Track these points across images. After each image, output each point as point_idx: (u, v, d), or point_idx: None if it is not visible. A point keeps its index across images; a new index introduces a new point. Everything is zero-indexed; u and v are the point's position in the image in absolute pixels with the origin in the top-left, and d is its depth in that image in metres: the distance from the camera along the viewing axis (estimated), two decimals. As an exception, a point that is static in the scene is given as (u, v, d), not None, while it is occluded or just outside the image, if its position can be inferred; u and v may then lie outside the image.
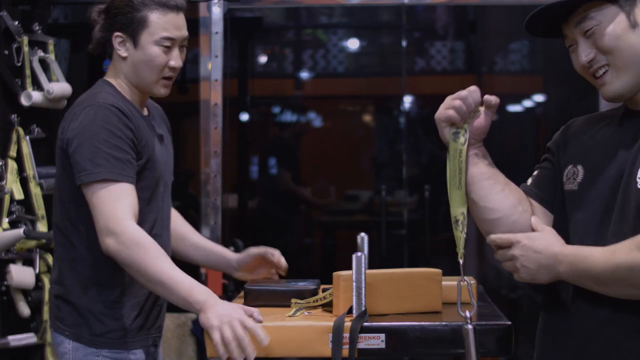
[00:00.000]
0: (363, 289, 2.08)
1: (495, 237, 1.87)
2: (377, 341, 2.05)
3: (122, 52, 2.33)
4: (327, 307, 2.21)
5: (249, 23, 4.71)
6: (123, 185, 2.19)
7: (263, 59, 5.04)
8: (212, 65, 3.95)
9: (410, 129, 4.73)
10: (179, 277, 2.10)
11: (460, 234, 1.91)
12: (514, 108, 5.00)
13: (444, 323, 2.07)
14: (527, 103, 4.99)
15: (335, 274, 2.17)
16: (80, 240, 2.30)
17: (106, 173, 2.18)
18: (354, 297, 2.08)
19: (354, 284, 2.08)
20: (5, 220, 3.25)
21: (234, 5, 4.17)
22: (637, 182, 1.76)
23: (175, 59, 2.33)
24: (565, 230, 1.88)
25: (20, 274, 3.26)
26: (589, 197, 1.85)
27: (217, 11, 3.96)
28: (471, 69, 5.03)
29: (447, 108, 1.90)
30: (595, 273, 1.75)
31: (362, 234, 2.58)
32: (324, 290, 2.25)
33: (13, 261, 3.27)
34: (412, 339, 2.06)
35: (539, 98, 4.98)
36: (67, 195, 2.31)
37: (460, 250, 1.91)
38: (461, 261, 1.92)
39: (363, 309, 2.07)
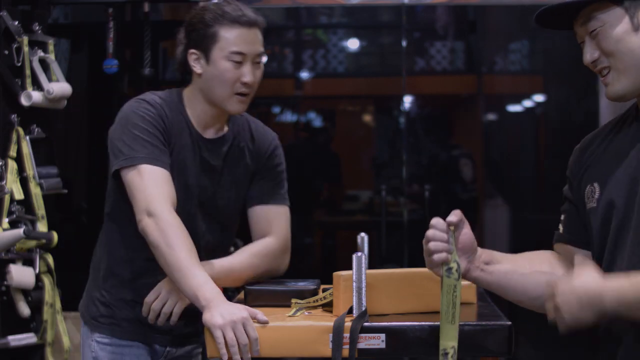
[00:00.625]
0: (363, 289, 2.07)
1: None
2: (377, 341, 2.05)
3: (197, 69, 2.33)
4: (327, 307, 2.21)
5: (249, 23, 4.71)
6: (160, 170, 2.22)
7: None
8: (212, 65, 3.94)
9: (410, 129, 4.72)
10: (195, 271, 2.12)
11: None
12: (514, 108, 4.99)
13: (444, 323, 2.07)
14: (527, 103, 4.99)
15: (335, 274, 2.17)
16: (111, 224, 2.40)
17: (146, 159, 2.22)
18: (354, 297, 2.08)
19: (354, 284, 2.07)
20: (5, 220, 3.25)
21: (234, 5, 4.16)
22: None
23: (248, 75, 2.30)
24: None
25: (20, 274, 3.26)
26: (607, 210, 1.83)
27: (217, 11, 3.95)
28: (471, 69, 5.03)
29: (428, 255, 1.89)
30: None
31: (362, 234, 2.58)
32: (324, 290, 2.25)
33: (13, 261, 3.27)
34: (412, 339, 2.06)
35: (539, 98, 4.98)
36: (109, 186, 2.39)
37: None
38: None
39: (363, 309, 2.07)
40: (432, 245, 1.87)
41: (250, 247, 2.42)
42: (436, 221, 1.88)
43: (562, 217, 1.99)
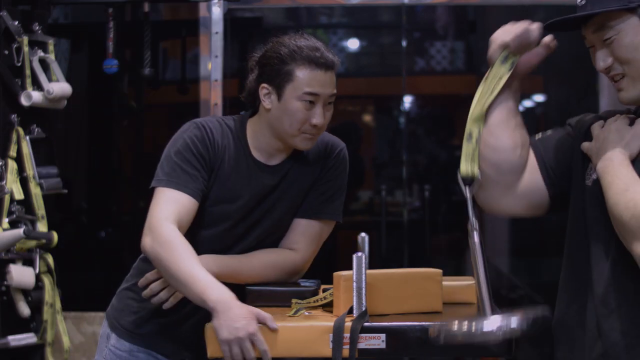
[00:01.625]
0: (363, 289, 2.07)
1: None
2: (377, 341, 2.05)
3: (267, 104, 2.29)
4: (328, 307, 2.21)
5: (249, 23, 4.71)
6: (178, 194, 2.22)
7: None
8: (212, 65, 3.95)
9: (410, 129, 4.73)
10: (197, 275, 2.11)
11: (475, 145, 1.94)
12: (513, 108, 4.98)
13: (444, 323, 2.07)
14: (527, 103, 4.99)
15: (335, 274, 2.17)
16: None
17: (169, 182, 2.23)
18: (355, 297, 2.08)
19: (355, 284, 2.07)
20: (5, 220, 3.25)
21: (234, 5, 4.17)
22: None
23: (317, 117, 2.26)
24: (583, 225, 1.89)
25: (20, 274, 3.26)
26: (600, 195, 1.85)
27: (217, 11, 3.96)
28: (471, 69, 5.03)
29: (507, 32, 1.91)
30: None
31: (363, 234, 2.58)
32: (324, 291, 2.25)
33: (13, 261, 3.27)
34: (413, 339, 2.06)
35: (539, 98, 4.98)
36: None
37: (477, 161, 1.94)
38: (479, 177, 1.95)
39: (363, 309, 2.07)
40: (519, 31, 1.89)
41: (267, 256, 2.37)
42: (539, 26, 1.92)
43: (549, 132, 2.03)
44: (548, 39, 1.93)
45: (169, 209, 2.20)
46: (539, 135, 2.03)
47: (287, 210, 2.38)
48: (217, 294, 2.07)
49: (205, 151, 2.27)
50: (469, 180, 1.96)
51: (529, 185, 1.97)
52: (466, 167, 1.95)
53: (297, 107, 2.25)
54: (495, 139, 1.94)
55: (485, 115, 1.96)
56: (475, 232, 1.93)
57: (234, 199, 2.31)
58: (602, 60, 1.85)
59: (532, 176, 1.97)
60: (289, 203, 2.37)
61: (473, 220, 1.93)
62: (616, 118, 1.88)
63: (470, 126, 1.96)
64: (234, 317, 2.03)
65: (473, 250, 1.93)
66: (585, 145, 1.90)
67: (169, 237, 2.16)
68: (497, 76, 1.94)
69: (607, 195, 1.77)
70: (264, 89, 2.29)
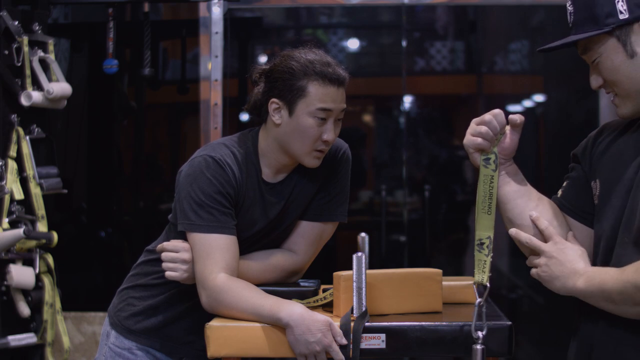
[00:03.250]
0: (364, 289, 2.07)
1: (526, 238, 1.92)
2: (377, 341, 2.05)
3: (276, 119, 2.27)
4: (328, 307, 2.21)
5: (249, 23, 4.71)
6: (220, 237, 2.22)
7: (263, 59, 5.03)
8: (212, 65, 3.95)
9: (410, 129, 4.72)
10: (260, 302, 2.14)
11: (487, 258, 1.96)
12: (514, 108, 4.99)
13: (444, 323, 2.07)
14: (527, 103, 4.99)
15: (335, 274, 2.17)
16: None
17: (210, 227, 2.22)
18: (355, 297, 2.08)
19: (355, 284, 2.07)
20: (5, 220, 3.25)
21: (234, 5, 4.17)
22: None
23: (329, 132, 2.25)
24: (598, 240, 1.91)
25: (20, 274, 3.26)
26: (605, 210, 1.87)
27: (217, 11, 3.95)
28: (471, 69, 5.03)
29: (474, 135, 1.93)
30: (607, 289, 1.78)
31: (363, 234, 2.58)
32: (324, 291, 2.25)
33: (13, 261, 3.27)
34: (413, 339, 2.06)
35: (539, 98, 4.98)
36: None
37: (487, 273, 1.95)
38: (488, 285, 1.96)
39: (364, 309, 2.07)
40: (484, 130, 1.91)
41: (266, 257, 2.38)
42: (499, 112, 1.93)
43: (565, 183, 2.02)
44: (513, 118, 1.93)
45: (215, 258, 2.20)
46: (559, 193, 2.02)
47: (294, 219, 2.40)
48: (287, 310, 2.09)
49: (232, 190, 2.26)
50: (482, 289, 1.98)
51: (582, 241, 1.96)
52: (478, 276, 1.97)
53: (309, 124, 2.23)
54: (527, 229, 1.96)
55: (505, 216, 1.99)
56: (479, 345, 1.96)
57: (250, 227, 2.33)
58: (595, 80, 1.89)
59: (579, 232, 1.96)
60: (297, 213, 2.39)
61: (478, 333, 1.96)
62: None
63: (479, 235, 1.97)
64: (307, 331, 2.05)
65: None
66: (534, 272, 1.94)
67: (221, 287, 2.17)
68: (488, 178, 1.95)
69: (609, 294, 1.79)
70: (274, 104, 2.27)
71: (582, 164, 1.98)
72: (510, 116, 1.93)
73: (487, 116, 1.92)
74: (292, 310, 2.08)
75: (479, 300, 1.97)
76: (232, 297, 2.15)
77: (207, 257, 2.20)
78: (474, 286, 1.98)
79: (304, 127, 2.24)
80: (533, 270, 1.92)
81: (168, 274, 2.26)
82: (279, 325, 2.09)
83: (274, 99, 2.26)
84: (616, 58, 1.83)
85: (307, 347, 2.05)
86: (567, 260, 1.86)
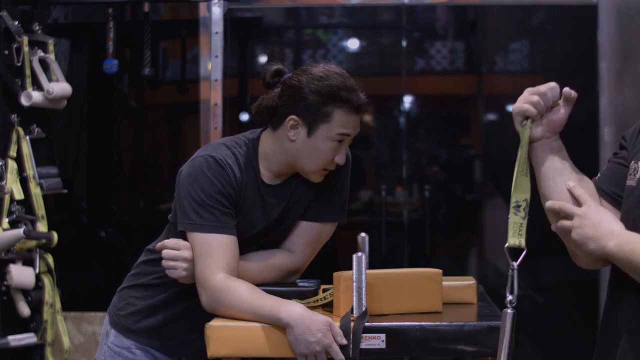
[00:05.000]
0: (364, 289, 2.08)
1: (561, 204, 1.87)
2: (377, 341, 2.06)
3: (292, 136, 2.26)
4: (328, 307, 2.21)
5: (249, 23, 4.71)
6: (221, 237, 2.23)
7: (263, 59, 5.03)
8: (212, 65, 3.95)
9: (410, 129, 4.72)
10: (260, 302, 2.14)
11: (523, 220, 1.91)
12: (513, 108, 4.98)
13: (444, 323, 2.07)
14: (527, 103, 4.98)
15: (335, 274, 2.17)
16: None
17: (211, 227, 2.22)
18: (355, 297, 2.08)
19: (355, 284, 2.08)
20: (5, 220, 3.25)
21: (234, 5, 4.17)
22: None
23: (341, 155, 2.27)
24: (631, 227, 1.86)
25: (20, 274, 3.26)
26: None
27: (217, 11, 3.96)
28: (471, 69, 5.03)
29: (525, 102, 1.91)
30: (635, 261, 1.74)
31: (363, 234, 2.58)
32: (324, 291, 2.25)
33: (13, 261, 3.27)
34: (413, 339, 2.06)
35: (539, 98, 4.97)
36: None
37: (523, 236, 1.91)
38: (525, 250, 1.91)
39: (364, 309, 2.07)
40: (536, 99, 1.90)
41: (264, 257, 2.38)
42: (554, 85, 1.92)
43: (606, 167, 2.00)
44: (567, 91, 1.92)
45: (216, 258, 2.21)
46: (598, 176, 2.01)
47: (294, 220, 2.40)
48: (287, 310, 2.09)
49: (233, 191, 2.26)
50: (517, 252, 1.92)
51: None
52: (514, 239, 1.92)
53: (327, 147, 2.25)
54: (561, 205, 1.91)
55: (541, 189, 1.94)
56: (510, 309, 1.89)
57: (251, 228, 2.33)
58: None
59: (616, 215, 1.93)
60: (297, 214, 2.39)
61: (512, 297, 1.89)
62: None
63: (516, 197, 1.93)
64: (307, 331, 2.06)
65: (503, 326, 1.88)
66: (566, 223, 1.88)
67: (221, 287, 2.17)
68: (524, 140, 1.93)
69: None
70: (293, 121, 2.26)
71: (628, 144, 1.96)
72: (565, 89, 1.92)
73: (543, 88, 1.92)
74: (292, 310, 2.08)
75: (513, 263, 1.92)
76: (232, 297, 2.16)
77: (207, 257, 2.21)
78: (506, 250, 1.91)
79: (320, 149, 2.25)
80: (564, 225, 1.86)
81: (168, 271, 2.26)
82: (279, 325, 2.09)
83: (293, 116, 2.26)
84: None
85: (307, 347, 2.05)
86: (602, 221, 1.81)
